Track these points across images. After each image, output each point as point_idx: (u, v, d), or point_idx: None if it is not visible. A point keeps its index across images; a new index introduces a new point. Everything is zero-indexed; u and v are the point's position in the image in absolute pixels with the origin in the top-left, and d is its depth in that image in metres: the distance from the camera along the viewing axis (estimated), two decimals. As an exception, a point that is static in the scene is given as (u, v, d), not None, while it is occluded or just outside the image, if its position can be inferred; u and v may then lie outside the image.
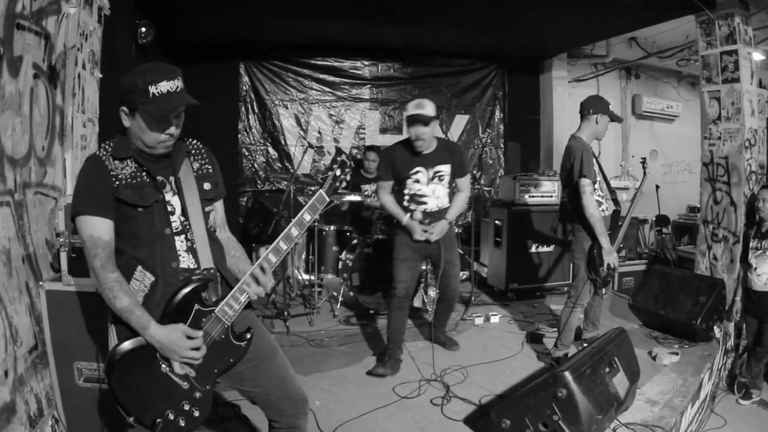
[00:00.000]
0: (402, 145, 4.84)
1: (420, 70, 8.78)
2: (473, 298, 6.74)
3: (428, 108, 4.57)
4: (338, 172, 2.44)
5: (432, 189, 4.77)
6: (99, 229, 2.18)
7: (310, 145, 7.99)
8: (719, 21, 5.43)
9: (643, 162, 5.04)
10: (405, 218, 4.72)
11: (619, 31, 7.90)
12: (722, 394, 5.24)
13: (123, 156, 2.27)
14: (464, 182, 4.95)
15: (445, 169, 4.80)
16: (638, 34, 8.49)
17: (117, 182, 2.22)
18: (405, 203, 4.79)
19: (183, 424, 2.27)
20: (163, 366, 2.22)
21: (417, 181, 4.75)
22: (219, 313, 2.28)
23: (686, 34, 7.06)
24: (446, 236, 4.86)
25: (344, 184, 2.55)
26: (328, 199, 2.42)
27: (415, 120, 4.55)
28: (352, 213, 7.05)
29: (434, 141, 4.75)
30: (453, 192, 4.96)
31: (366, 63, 8.57)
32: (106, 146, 2.30)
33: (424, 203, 4.78)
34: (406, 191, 4.78)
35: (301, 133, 8.26)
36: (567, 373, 3.24)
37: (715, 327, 5.25)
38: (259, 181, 8.20)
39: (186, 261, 2.32)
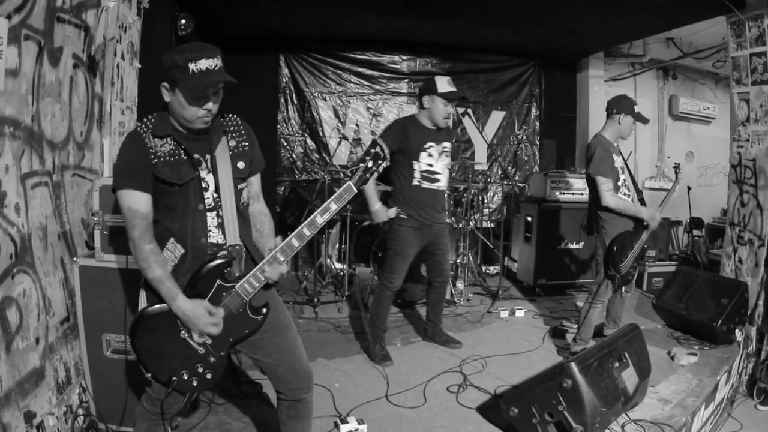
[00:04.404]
0: (414, 119, 4.74)
1: (457, 65, 8.76)
2: (501, 291, 6.82)
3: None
4: (370, 164, 2.52)
5: (441, 166, 4.70)
6: (137, 201, 2.34)
7: (344, 137, 8.09)
8: (749, 22, 5.36)
9: (676, 167, 5.03)
10: (376, 205, 4.64)
11: (652, 32, 7.83)
12: (741, 398, 5.20)
13: (162, 134, 2.41)
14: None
15: (450, 146, 4.81)
16: (675, 34, 8.39)
17: (156, 159, 2.37)
18: (416, 181, 4.64)
19: (195, 384, 2.45)
20: (183, 332, 2.40)
21: (430, 155, 4.64)
22: (239, 289, 2.43)
23: (722, 35, 6.98)
24: (444, 220, 4.97)
25: (375, 176, 2.63)
26: (356, 190, 2.50)
27: (453, 97, 4.57)
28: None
29: None
30: None
31: (404, 57, 8.61)
32: (147, 122, 2.44)
33: (438, 180, 4.70)
34: (416, 167, 4.63)
35: (339, 125, 8.37)
36: (573, 364, 3.30)
37: (736, 330, 5.20)
38: (296, 171, 8.35)
39: (215, 236, 2.47)
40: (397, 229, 4.70)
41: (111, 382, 3.47)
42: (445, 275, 5.04)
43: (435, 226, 4.75)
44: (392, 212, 4.65)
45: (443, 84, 4.55)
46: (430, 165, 4.64)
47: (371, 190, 4.61)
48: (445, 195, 4.83)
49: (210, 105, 2.36)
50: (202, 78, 2.27)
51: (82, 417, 3.48)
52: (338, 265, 7.24)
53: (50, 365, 3.22)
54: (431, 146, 4.63)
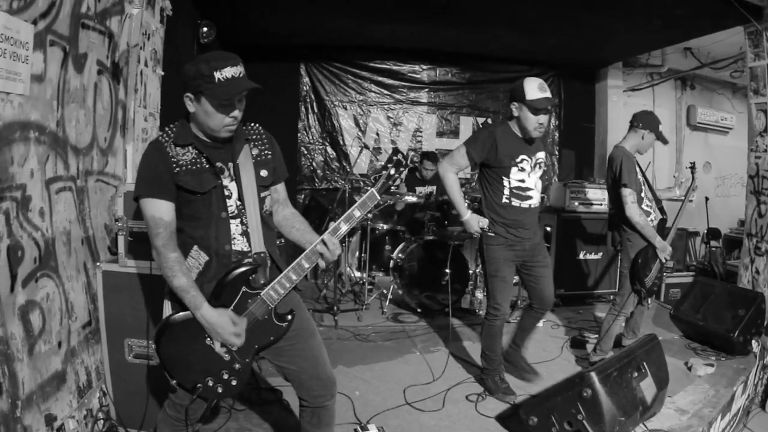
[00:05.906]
0: (506, 127, 4.12)
1: (477, 75, 8.85)
2: (520, 301, 6.78)
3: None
4: (392, 171, 2.55)
5: (534, 180, 4.13)
6: (160, 210, 2.35)
7: (366, 146, 8.15)
8: (767, 32, 5.36)
9: (692, 167, 4.99)
10: (467, 213, 4.12)
11: (670, 42, 7.85)
12: (757, 409, 5.14)
13: (184, 143, 2.42)
14: None
15: (543, 156, 4.23)
16: (693, 45, 8.41)
17: (177, 168, 2.38)
18: (505, 199, 4.09)
19: (220, 391, 2.46)
20: (208, 339, 2.40)
21: (522, 170, 4.06)
22: (264, 296, 2.43)
23: (740, 45, 6.95)
24: (538, 235, 4.33)
25: (398, 183, 2.64)
26: (379, 198, 2.51)
27: (544, 105, 3.89)
28: (406, 213, 7.17)
29: None
30: None
31: (424, 67, 8.70)
32: (169, 131, 2.45)
33: (530, 198, 4.12)
34: (506, 183, 4.07)
35: (359, 134, 8.43)
36: (593, 374, 3.28)
37: (753, 341, 5.17)
38: (316, 180, 8.41)
39: (239, 244, 2.47)
40: (486, 249, 4.19)
41: (132, 386, 3.49)
42: (545, 302, 4.38)
43: (527, 241, 4.18)
44: (485, 222, 4.11)
45: (532, 89, 3.90)
46: (522, 180, 4.08)
47: (459, 199, 4.17)
48: (538, 212, 4.26)
49: (236, 113, 2.37)
50: (228, 86, 2.28)
51: (102, 421, 3.50)
52: (357, 274, 7.24)
53: (72, 369, 3.25)
54: (524, 159, 4.06)
